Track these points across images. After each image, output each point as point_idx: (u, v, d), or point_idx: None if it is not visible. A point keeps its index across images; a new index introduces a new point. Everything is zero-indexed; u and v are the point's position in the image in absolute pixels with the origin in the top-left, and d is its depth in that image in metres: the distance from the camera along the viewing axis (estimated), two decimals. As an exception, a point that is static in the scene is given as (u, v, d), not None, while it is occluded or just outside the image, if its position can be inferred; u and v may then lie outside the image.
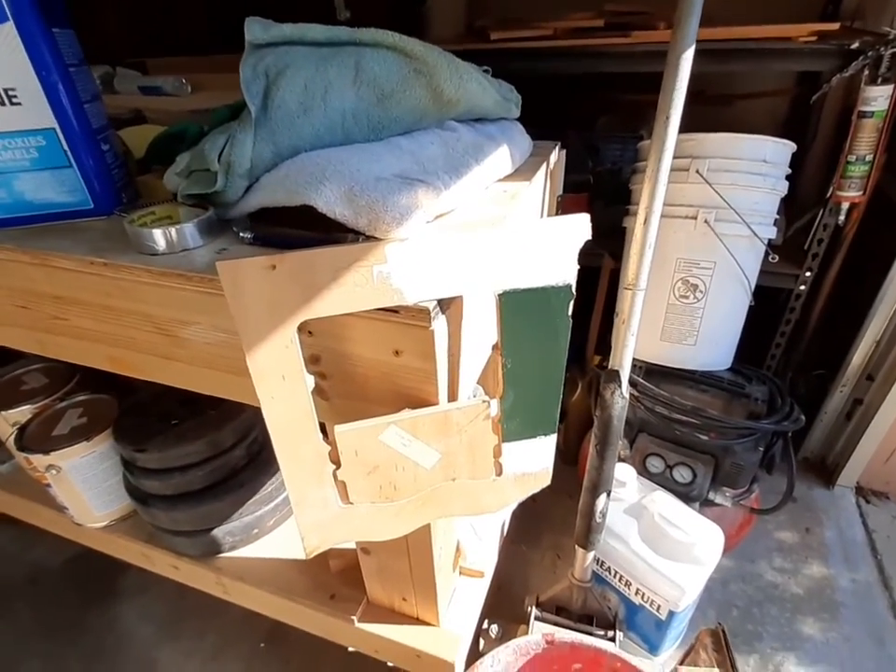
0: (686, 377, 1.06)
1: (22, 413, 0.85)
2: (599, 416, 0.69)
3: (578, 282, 0.43)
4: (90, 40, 0.54)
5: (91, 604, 1.11)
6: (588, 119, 1.43)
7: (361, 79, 0.53)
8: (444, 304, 0.40)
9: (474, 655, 0.74)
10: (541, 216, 0.81)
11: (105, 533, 0.88)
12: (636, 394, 1.04)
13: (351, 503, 0.44)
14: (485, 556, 0.82)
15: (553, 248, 0.39)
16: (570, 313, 0.42)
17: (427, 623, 0.72)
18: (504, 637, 0.88)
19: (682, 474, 0.98)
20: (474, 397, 0.56)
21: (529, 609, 0.86)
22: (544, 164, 0.74)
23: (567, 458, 1.30)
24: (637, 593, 0.84)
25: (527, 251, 0.39)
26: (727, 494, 0.99)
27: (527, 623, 0.85)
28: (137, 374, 0.56)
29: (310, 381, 0.39)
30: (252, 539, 0.83)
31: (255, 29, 0.51)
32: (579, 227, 0.39)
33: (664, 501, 0.85)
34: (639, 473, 0.94)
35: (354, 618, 0.72)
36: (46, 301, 0.54)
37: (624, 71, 1.09)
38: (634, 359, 0.68)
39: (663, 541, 0.81)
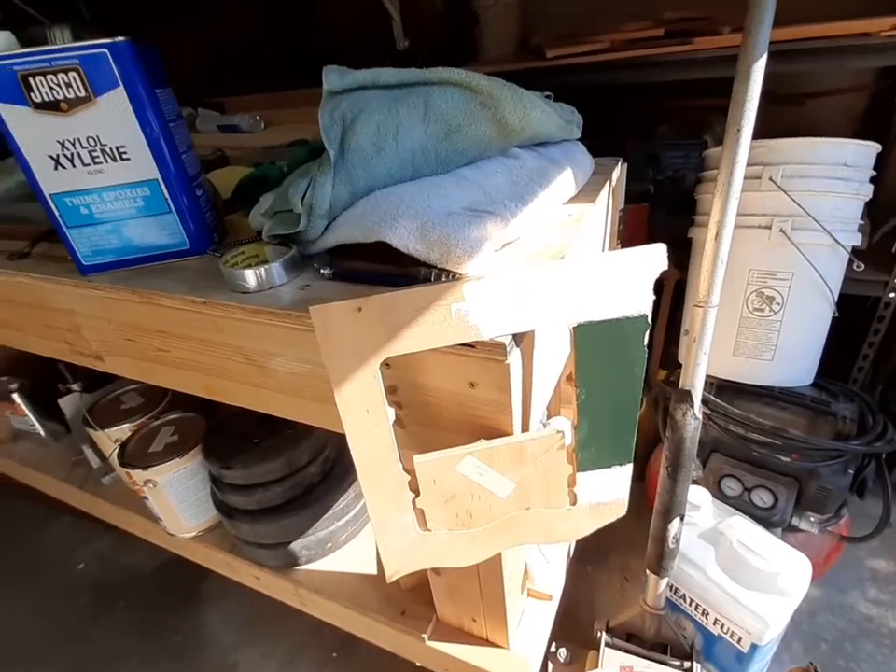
0: (763, 394, 1.00)
1: (123, 430, 0.94)
2: (670, 438, 0.67)
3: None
4: (173, 82, 0.59)
5: (179, 607, 1.20)
6: (647, 128, 1.40)
7: (430, 117, 0.56)
8: (518, 337, 0.41)
9: (544, 679, 0.74)
10: (605, 232, 0.80)
11: (194, 542, 0.95)
12: (707, 412, 0.99)
13: (429, 530, 0.46)
14: (553, 579, 0.81)
15: (628, 280, 0.39)
16: (646, 342, 0.42)
17: (497, 645, 0.72)
18: (572, 661, 0.86)
19: (762, 498, 0.93)
20: (540, 422, 0.57)
21: (599, 634, 0.84)
22: (607, 183, 0.74)
23: (633, 474, 1.26)
24: (715, 623, 0.80)
25: (603, 283, 0.39)
26: (812, 519, 0.93)
27: (597, 649, 0.83)
28: (230, 401, 0.61)
29: (391, 413, 0.41)
30: (326, 553, 0.87)
31: (332, 78, 0.55)
32: (654, 258, 0.39)
33: (742, 527, 0.80)
34: (714, 496, 0.90)
35: (424, 636, 0.73)
36: (151, 334, 0.59)
37: (687, 78, 1.07)
38: (705, 376, 0.66)
39: (743, 570, 0.77)
